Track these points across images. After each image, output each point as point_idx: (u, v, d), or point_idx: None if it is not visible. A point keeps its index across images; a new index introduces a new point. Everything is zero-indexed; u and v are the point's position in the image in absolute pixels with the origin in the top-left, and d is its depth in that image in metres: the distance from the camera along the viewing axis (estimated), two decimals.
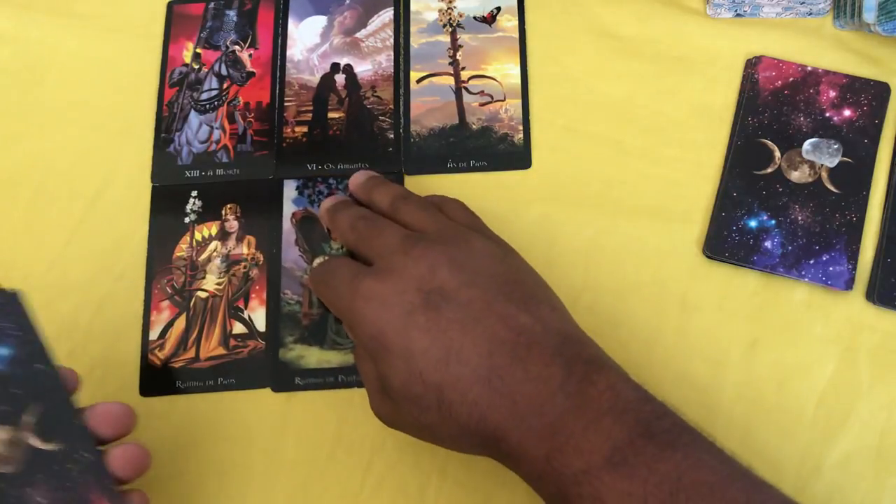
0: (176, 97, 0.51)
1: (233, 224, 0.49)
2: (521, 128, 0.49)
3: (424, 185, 0.49)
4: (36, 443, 0.34)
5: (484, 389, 0.33)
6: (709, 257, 0.46)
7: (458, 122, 0.50)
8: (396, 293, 0.34)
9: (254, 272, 0.48)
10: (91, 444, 0.34)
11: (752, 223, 0.46)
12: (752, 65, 0.49)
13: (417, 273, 0.35)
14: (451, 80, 0.51)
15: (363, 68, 0.52)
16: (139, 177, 0.50)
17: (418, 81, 0.51)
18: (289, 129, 0.50)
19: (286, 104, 0.51)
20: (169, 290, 0.47)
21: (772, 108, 0.48)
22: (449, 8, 0.52)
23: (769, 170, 0.47)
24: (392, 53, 0.52)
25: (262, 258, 0.48)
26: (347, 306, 0.36)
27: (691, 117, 0.49)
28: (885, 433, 0.43)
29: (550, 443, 0.31)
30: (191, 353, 0.46)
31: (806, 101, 0.48)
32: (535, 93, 0.50)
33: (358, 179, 0.44)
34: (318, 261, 0.41)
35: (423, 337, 0.33)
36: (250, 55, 0.52)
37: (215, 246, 0.48)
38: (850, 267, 0.45)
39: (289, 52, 0.52)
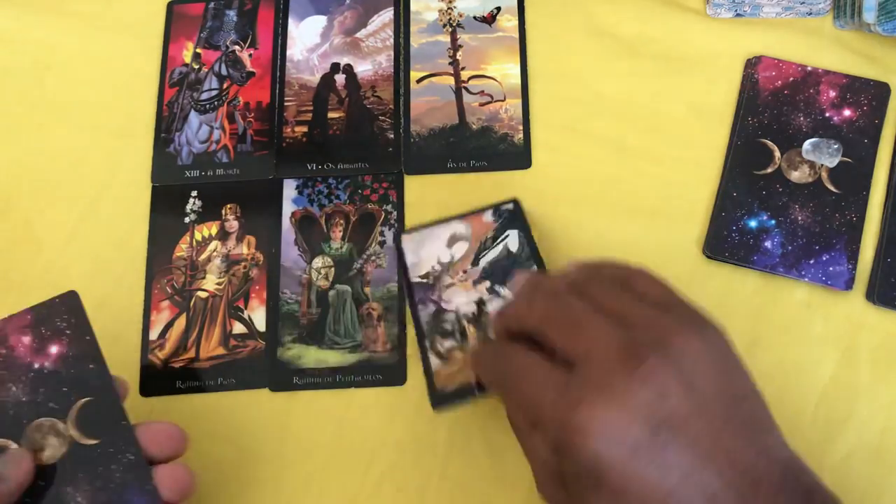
0: (176, 97, 0.51)
1: (233, 224, 0.49)
2: (521, 128, 0.49)
3: (424, 185, 0.49)
4: (81, 439, 0.34)
5: None
6: (709, 257, 0.46)
7: (458, 122, 0.50)
8: (622, 424, 0.30)
9: (254, 272, 0.48)
10: (136, 447, 0.34)
11: (752, 223, 0.46)
12: (752, 65, 0.49)
13: (645, 400, 0.30)
14: (451, 80, 0.51)
15: (363, 68, 0.52)
16: (139, 177, 0.50)
17: (418, 81, 0.51)
18: (289, 129, 0.50)
19: (286, 104, 0.51)
20: (169, 290, 0.47)
21: (772, 108, 0.48)
22: (449, 8, 0.52)
23: (769, 170, 0.47)
24: (392, 53, 0.52)
25: (261, 258, 0.48)
26: (556, 428, 0.31)
27: (691, 117, 0.49)
28: (885, 433, 0.43)
29: None
30: (191, 353, 0.46)
31: (806, 101, 0.48)
32: (535, 92, 0.50)
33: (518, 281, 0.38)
34: (481, 338, 0.37)
35: (645, 479, 0.29)
36: (250, 55, 0.52)
37: (215, 246, 0.48)
38: (850, 267, 0.45)
39: (289, 52, 0.52)
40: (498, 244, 0.46)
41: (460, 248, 0.46)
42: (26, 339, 0.35)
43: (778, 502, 0.30)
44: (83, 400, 0.35)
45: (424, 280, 0.46)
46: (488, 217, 0.47)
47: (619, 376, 0.30)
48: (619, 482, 0.30)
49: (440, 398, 0.42)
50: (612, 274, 0.36)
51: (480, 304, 0.45)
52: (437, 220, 0.47)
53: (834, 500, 0.32)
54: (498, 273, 0.45)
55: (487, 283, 0.45)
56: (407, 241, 0.47)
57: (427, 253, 0.46)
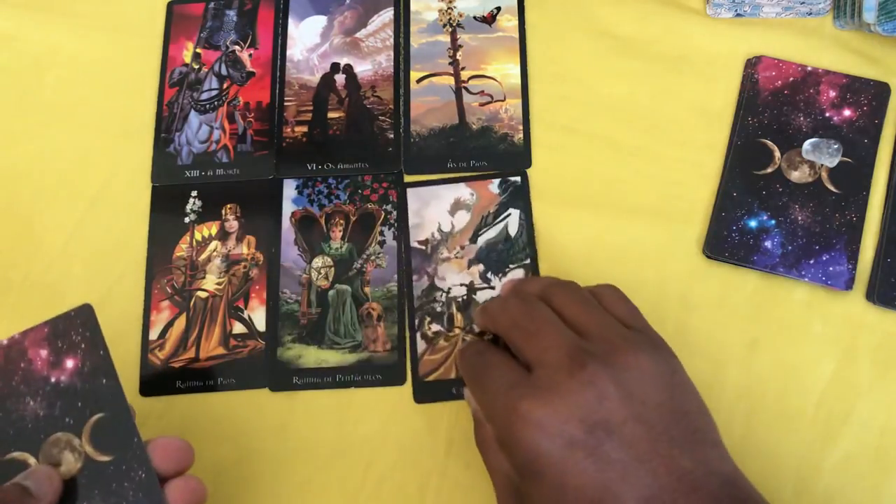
0: (176, 97, 0.51)
1: (233, 224, 0.49)
2: (521, 128, 0.49)
3: (421, 194, 0.49)
4: (95, 455, 0.34)
5: None
6: (709, 257, 0.46)
7: (458, 122, 0.50)
8: (559, 421, 0.32)
9: (254, 272, 0.48)
10: (148, 464, 0.34)
11: (752, 223, 0.46)
12: (752, 65, 0.49)
13: (583, 400, 0.32)
14: (451, 80, 0.51)
15: (363, 68, 0.52)
16: (139, 177, 0.50)
17: (418, 81, 0.51)
18: (289, 129, 0.50)
19: (286, 104, 0.51)
20: (169, 290, 0.47)
21: (772, 108, 0.48)
22: (449, 8, 0.52)
23: (769, 170, 0.47)
24: (392, 53, 0.52)
25: (261, 258, 0.48)
26: (502, 419, 0.34)
27: (691, 117, 0.49)
28: (885, 433, 0.43)
29: None
30: (191, 353, 0.46)
31: (806, 101, 0.48)
32: (535, 93, 0.50)
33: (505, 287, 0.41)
34: (468, 339, 0.40)
35: (580, 475, 0.31)
36: (250, 55, 0.52)
37: (215, 246, 0.48)
38: (850, 267, 0.45)
39: (289, 52, 0.52)
40: (498, 223, 0.47)
41: (461, 219, 0.47)
42: (43, 353, 0.35)
43: None
44: (97, 416, 0.34)
45: (422, 247, 0.47)
46: (495, 187, 0.48)
47: (562, 378, 0.33)
48: (556, 475, 0.32)
49: (422, 391, 0.45)
50: (584, 288, 0.39)
51: (471, 290, 0.46)
52: (445, 179, 0.48)
53: None
54: (492, 259, 0.47)
55: (481, 268, 0.46)
56: (412, 196, 0.48)
57: (430, 215, 0.47)
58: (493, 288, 0.46)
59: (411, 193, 0.48)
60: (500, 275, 0.46)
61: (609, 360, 0.34)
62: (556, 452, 0.32)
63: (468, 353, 0.39)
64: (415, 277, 0.47)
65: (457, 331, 0.46)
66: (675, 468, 0.32)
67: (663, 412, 0.33)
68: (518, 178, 0.48)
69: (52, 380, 0.35)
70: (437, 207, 0.48)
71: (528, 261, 0.46)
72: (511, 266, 0.47)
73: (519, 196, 0.48)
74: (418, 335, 0.46)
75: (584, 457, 0.32)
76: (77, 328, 0.35)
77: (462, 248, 0.47)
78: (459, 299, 0.46)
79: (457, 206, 0.48)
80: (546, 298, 0.38)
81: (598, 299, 0.38)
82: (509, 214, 0.47)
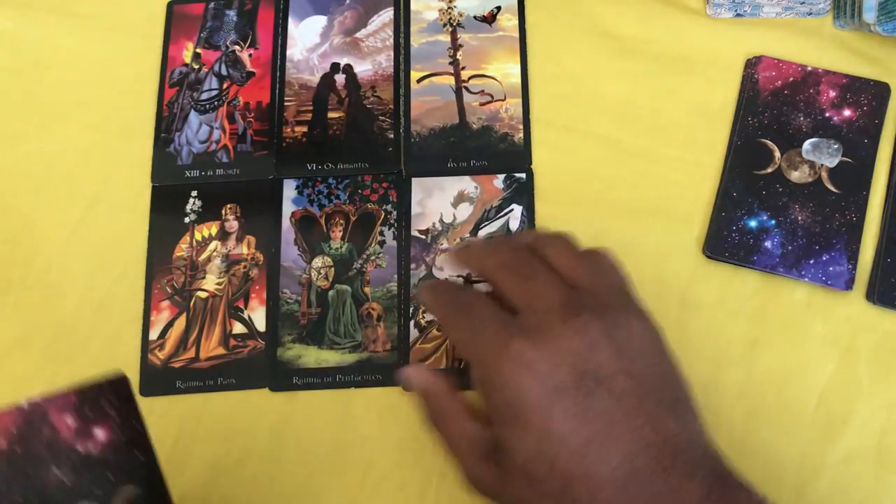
0: (176, 97, 0.51)
1: (233, 224, 0.49)
2: (521, 127, 0.49)
3: (425, 184, 0.49)
4: None
5: (618, 492, 0.30)
6: (709, 257, 0.46)
7: (458, 121, 0.50)
8: (549, 365, 0.32)
9: (254, 272, 0.48)
10: None
11: (752, 223, 0.46)
12: (752, 65, 0.49)
13: (575, 347, 0.32)
14: (451, 80, 0.51)
15: (363, 68, 0.52)
16: (139, 177, 0.50)
17: (418, 81, 0.51)
18: (289, 129, 0.50)
19: (286, 104, 0.51)
20: (169, 290, 0.47)
21: (772, 108, 0.48)
22: (449, 7, 0.52)
23: (769, 170, 0.47)
24: (392, 53, 0.52)
25: (261, 258, 0.48)
26: (489, 360, 0.33)
27: (691, 117, 0.49)
28: (885, 433, 0.43)
29: None
30: (191, 353, 0.46)
31: (806, 101, 0.48)
32: (535, 92, 0.50)
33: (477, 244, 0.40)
34: (439, 282, 0.38)
35: (566, 421, 0.31)
36: (250, 55, 0.52)
37: (215, 246, 0.48)
38: (850, 267, 0.45)
39: (289, 52, 0.52)
40: (500, 217, 0.47)
41: (464, 211, 0.47)
42: (70, 421, 0.33)
43: (695, 475, 0.31)
44: (129, 488, 0.33)
45: (423, 236, 0.47)
46: (499, 182, 0.48)
47: (555, 323, 0.32)
48: (541, 420, 0.31)
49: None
50: (579, 246, 0.38)
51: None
52: (450, 169, 0.48)
53: (751, 491, 0.32)
54: None
55: None
56: (416, 186, 0.48)
57: (432, 206, 0.48)
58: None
59: (415, 183, 0.48)
60: None
61: (602, 313, 0.33)
62: (545, 396, 0.31)
63: (443, 289, 0.37)
64: (412, 266, 0.47)
65: None
66: (661, 428, 0.31)
67: (653, 373, 0.33)
68: (523, 175, 0.48)
69: (80, 450, 0.33)
70: (440, 198, 0.48)
71: None
72: None
73: (523, 192, 0.48)
74: (412, 323, 0.46)
75: (572, 404, 0.31)
76: (109, 398, 0.33)
77: (462, 240, 0.47)
78: None
79: (460, 199, 0.48)
80: (539, 249, 0.37)
81: (594, 259, 0.37)
82: (511, 210, 0.48)
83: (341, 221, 0.48)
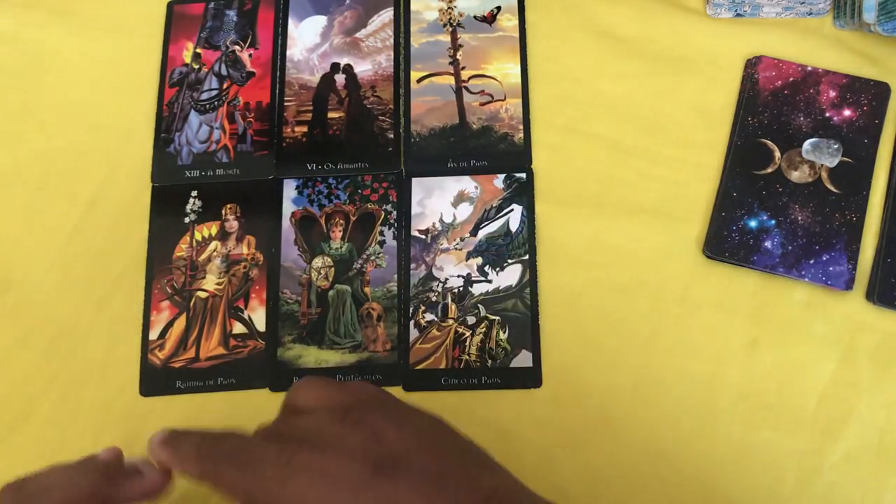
0: (176, 97, 0.51)
1: (233, 224, 0.49)
2: (521, 127, 0.49)
3: (425, 184, 0.49)
4: None
5: None
6: (709, 257, 0.46)
7: (458, 121, 0.50)
8: (341, 467, 0.29)
9: (254, 272, 0.48)
10: None
11: (752, 223, 0.46)
12: (752, 65, 0.49)
13: (360, 441, 0.30)
14: (451, 80, 0.51)
15: (363, 68, 0.52)
16: (139, 177, 0.50)
17: (418, 81, 0.51)
18: (289, 129, 0.50)
19: (286, 104, 0.51)
20: (169, 290, 0.47)
21: (772, 108, 0.48)
22: (449, 7, 0.52)
23: (769, 170, 0.47)
24: (392, 53, 0.52)
25: (261, 258, 0.48)
26: (277, 485, 0.29)
27: (691, 117, 0.49)
28: (885, 433, 0.43)
29: None
30: (191, 353, 0.46)
31: (806, 101, 0.48)
32: (535, 92, 0.50)
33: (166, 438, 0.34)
34: (176, 433, 0.33)
35: None
36: (250, 55, 0.52)
37: (215, 246, 0.48)
38: (850, 267, 0.45)
39: (289, 52, 0.52)
40: (500, 217, 0.47)
41: (464, 211, 0.47)
42: None
43: None
44: None
45: (423, 236, 0.47)
46: (499, 182, 0.48)
47: (326, 431, 0.30)
48: None
49: (412, 380, 0.45)
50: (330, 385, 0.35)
51: (468, 282, 0.46)
52: (450, 169, 0.49)
53: None
54: (491, 252, 0.47)
55: (479, 261, 0.46)
56: (417, 186, 0.48)
57: (432, 205, 0.48)
58: (489, 281, 0.46)
59: (415, 183, 0.48)
60: (497, 269, 0.47)
61: (371, 404, 0.32)
62: (347, 498, 0.28)
63: (186, 440, 0.33)
64: (412, 266, 0.47)
65: (450, 321, 0.46)
66: (480, 485, 0.30)
67: (446, 442, 0.31)
68: (523, 175, 0.48)
69: None
70: (440, 198, 0.48)
71: (526, 256, 0.47)
72: (510, 261, 0.47)
73: (523, 192, 0.48)
74: (411, 323, 0.46)
75: (377, 495, 0.29)
76: None
77: (462, 240, 0.47)
78: (455, 290, 0.46)
79: (460, 199, 0.48)
80: (292, 403, 0.34)
81: (344, 385, 0.35)
82: (512, 210, 0.48)
83: (341, 221, 0.48)
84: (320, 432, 0.31)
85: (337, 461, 0.29)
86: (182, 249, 0.48)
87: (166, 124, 0.51)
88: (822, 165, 0.47)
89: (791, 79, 0.49)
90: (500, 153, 0.49)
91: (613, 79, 0.50)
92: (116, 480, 0.35)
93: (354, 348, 0.46)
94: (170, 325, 0.47)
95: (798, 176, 0.47)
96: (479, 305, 0.46)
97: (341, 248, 0.48)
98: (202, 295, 0.47)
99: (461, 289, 0.46)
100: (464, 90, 0.50)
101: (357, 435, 0.30)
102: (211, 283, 0.48)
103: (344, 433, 0.30)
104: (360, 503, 0.28)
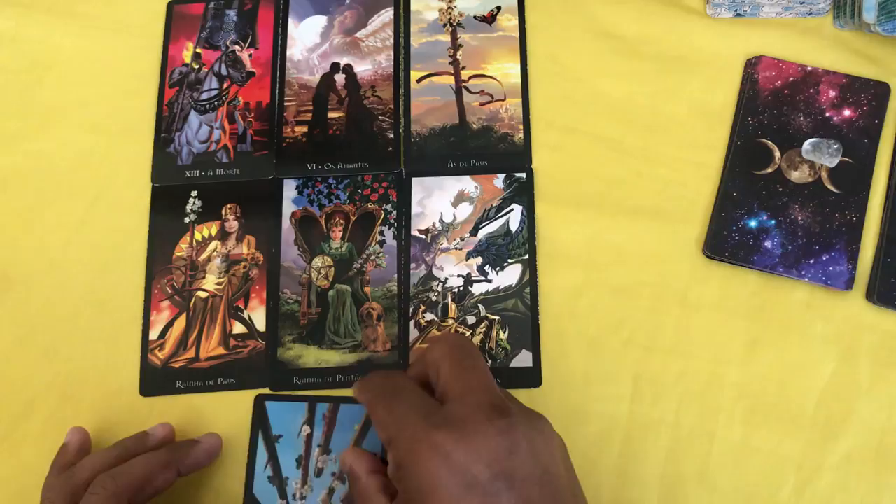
0: (176, 97, 0.51)
1: (233, 224, 0.49)
2: (521, 127, 0.49)
3: (425, 184, 0.49)
4: None
5: None
6: (709, 257, 0.46)
7: (458, 121, 0.50)
8: (466, 460, 0.32)
9: (254, 272, 0.48)
10: None
11: (752, 223, 0.46)
12: (752, 65, 0.49)
13: (494, 447, 0.32)
14: (451, 80, 0.51)
15: (363, 68, 0.52)
16: (139, 177, 0.50)
17: (418, 81, 0.51)
18: (289, 129, 0.50)
19: (286, 104, 0.51)
20: (169, 290, 0.47)
21: (772, 108, 0.48)
22: (449, 7, 0.52)
23: (769, 170, 0.47)
24: (392, 53, 0.52)
25: (261, 258, 0.48)
26: (409, 444, 0.33)
27: (691, 117, 0.49)
28: (885, 433, 0.43)
29: None
30: (191, 353, 0.46)
31: (806, 101, 0.48)
32: (535, 92, 0.50)
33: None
34: (373, 372, 0.39)
35: None
36: (250, 55, 0.52)
37: (215, 246, 0.48)
38: (850, 267, 0.45)
39: (289, 52, 0.52)
40: (500, 217, 0.47)
41: (464, 210, 0.47)
42: None
43: None
44: None
45: (423, 236, 0.47)
46: (499, 182, 0.48)
47: (480, 420, 0.33)
48: None
49: None
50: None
51: (468, 282, 0.46)
52: (450, 169, 0.48)
53: None
54: (491, 252, 0.47)
55: (479, 260, 0.46)
56: (416, 186, 0.48)
57: (433, 206, 0.48)
58: (489, 281, 0.46)
59: (415, 183, 0.48)
60: (497, 269, 0.47)
61: (527, 418, 0.34)
62: (455, 490, 0.31)
63: (376, 377, 0.38)
64: (412, 266, 0.47)
65: (450, 321, 0.46)
66: None
67: (559, 484, 0.33)
68: (523, 175, 0.48)
69: None
70: (440, 198, 0.48)
71: (526, 256, 0.47)
72: (510, 261, 0.47)
73: (523, 192, 0.48)
74: (411, 323, 0.46)
75: (478, 502, 0.31)
76: None
77: (462, 239, 0.47)
78: (455, 290, 0.46)
79: (460, 198, 0.48)
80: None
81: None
82: (512, 209, 0.48)
83: (341, 221, 0.48)
84: (472, 418, 0.33)
85: (465, 456, 0.32)
86: (182, 249, 0.48)
87: (166, 124, 0.51)
88: (822, 165, 0.47)
89: (791, 79, 0.49)
90: (500, 153, 0.49)
91: (613, 79, 0.50)
92: (181, 449, 0.42)
93: (354, 348, 0.46)
94: (170, 325, 0.47)
95: (798, 176, 0.47)
96: (479, 305, 0.46)
97: (341, 247, 0.48)
98: (202, 295, 0.47)
99: (461, 288, 0.46)
100: (464, 90, 0.50)
101: (495, 442, 0.32)
102: (211, 282, 0.48)
103: (489, 433, 0.32)
104: (462, 497, 0.31)
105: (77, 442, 0.43)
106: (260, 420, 0.44)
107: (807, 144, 0.47)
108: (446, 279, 0.47)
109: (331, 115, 0.51)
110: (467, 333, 0.46)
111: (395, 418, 0.34)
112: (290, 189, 0.49)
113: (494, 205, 0.48)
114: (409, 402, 0.35)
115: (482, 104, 0.50)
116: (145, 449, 0.41)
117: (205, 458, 0.42)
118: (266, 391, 0.45)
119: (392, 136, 0.50)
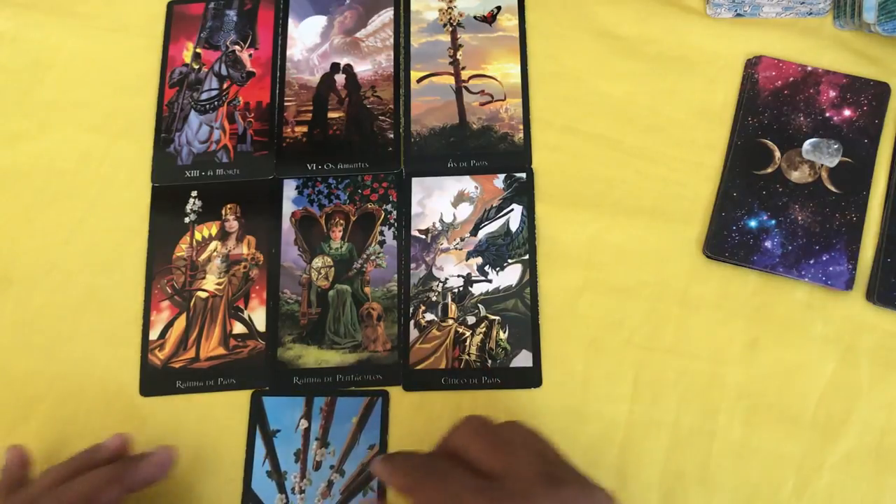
0: (176, 97, 0.51)
1: (233, 224, 0.49)
2: (521, 127, 0.49)
3: (425, 184, 0.49)
4: None
5: None
6: (709, 257, 0.46)
7: (458, 121, 0.50)
8: None
9: (254, 272, 0.48)
10: None
11: (752, 223, 0.46)
12: (752, 65, 0.49)
13: None
14: (451, 80, 0.51)
15: (363, 68, 0.52)
16: (139, 177, 0.50)
17: (418, 81, 0.51)
18: (289, 129, 0.50)
19: (286, 104, 0.51)
20: (169, 290, 0.47)
21: (772, 108, 0.48)
22: (449, 7, 0.52)
23: (769, 170, 0.47)
24: (392, 53, 0.52)
25: (262, 258, 0.48)
26: None
27: (691, 117, 0.49)
28: (885, 433, 0.43)
29: None
30: (191, 353, 0.46)
31: (806, 101, 0.48)
32: (535, 92, 0.50)
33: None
34: (395, 453, 0.38)
35: None
36: (250, 55, 0.52)
37: (215, 246, 0.48)
38: (850, 267, 0.45)
39: (289, 52, 0.52)
40: (500, 217, 0.47)
41: (464, 210, 0.47)
42: None
43: None
44: None
45: (423, 236, 0.47)
46: (500, 182, 0.48)
47: (541, 491, 0.32)
48: None
49: (412, 380, 0.45)
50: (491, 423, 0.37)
51: (468, 282, 0.46)
52: (450, 169, 0.48)
53: None
54: (492, 252, 0.47)
55: (479, 260, 0.46)
56: (417, 186, 0.48)
57: (433, 206, 0.48)
58: (489, 281, 0.46)
59: (415, 183, 0.48)
60: (497, 269, 0.47)
61: (584, 487, 0.34)
62: None
63: (407, 458, 0.37)
64: (412, 266, 0.47)
65: (450, 321, 0.46)
66: None
67: None
68: (523, 175, 0.48)
69: None
70: (440, 198, 0.48)
71: (526, 256, 0.47)
72: (510, 261, 0.47)
73: (523, 192, 0.48)
74: (411, 323, 0.46)
75: None
76: None
77: (462, 239, 0.47)
78: (455, 290, 0.46)
79: (460, 199, 0.48)
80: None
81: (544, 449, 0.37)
82: (512, 210, 0.48)
83: (341, 221, 0.48)
84: (530, 489, 0.32)
85: None
86: (182, 249, 0.48)
87: (166, 124, 0.51)
88: (822, 165, 0.47)
89: (791, 79, 0.49)
90: (500, 153, 0.49)
91: (613, 79, 0.50)
92: (129, 464, 0.40)
93: (354, 348, 0.46)
94: (170, 325, 0.47)
95: (798, 176, 0.47)
96: (479, 305, 0.46)
97: (341, 247, 0.48)
98: (202, 295, 0.47)
99: (461, 289, 0.46)
100: (464, 90, 0.50)
101: None
102: (211, 283, 0.48)
103: (552, 503, 0.32)
104: None
105: (17, 458, 0.41)
106: (257, 415, 0.44)
107: (807, 144, 0.47)
108: (446, 279, 0.47)
109: (331, 115, 0.51)
110: (467, 333, 0.46)
111: (449, 499, 0.33)
112: (290, 189, 0.49)
113: (494, 205, 0.48)
114: (461, 482, 0.33)
115: (482, 104, 0.50)
116: (95, 463, 0.40)
117: (156, 471, 0.40)
118: (265, 390, 0.45)
119: (392, 136, 0.50)
